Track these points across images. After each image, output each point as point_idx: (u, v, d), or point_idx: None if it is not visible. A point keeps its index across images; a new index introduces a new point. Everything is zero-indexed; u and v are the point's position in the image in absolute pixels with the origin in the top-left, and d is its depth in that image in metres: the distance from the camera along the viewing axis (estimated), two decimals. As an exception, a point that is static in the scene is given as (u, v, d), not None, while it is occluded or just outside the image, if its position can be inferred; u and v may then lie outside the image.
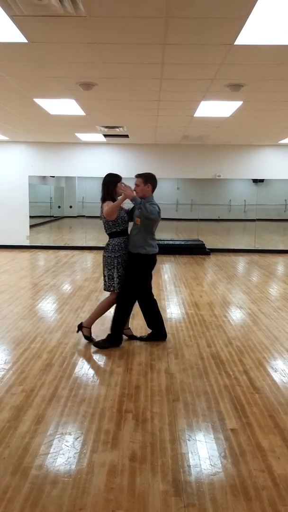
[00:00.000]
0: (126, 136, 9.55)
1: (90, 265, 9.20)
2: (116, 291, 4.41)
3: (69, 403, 3.23)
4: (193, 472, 2.45)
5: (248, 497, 2.25)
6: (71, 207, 17.45)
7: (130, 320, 4.85)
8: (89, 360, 4.11)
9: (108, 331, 4.50)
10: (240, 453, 2.63)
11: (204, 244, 11.29)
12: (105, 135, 9.52)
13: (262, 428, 2.91)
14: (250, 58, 4.22)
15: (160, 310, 5.62)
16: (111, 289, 4.42)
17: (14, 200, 11.31)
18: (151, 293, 4.64)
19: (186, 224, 20.32)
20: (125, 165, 11.17)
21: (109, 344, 4.40)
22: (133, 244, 4.38)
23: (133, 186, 4.33)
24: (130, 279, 4.38)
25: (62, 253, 10.91)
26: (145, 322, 4.70)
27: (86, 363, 4.03)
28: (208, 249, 11.17)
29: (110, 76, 4.81)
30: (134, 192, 4.30)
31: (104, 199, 4.32)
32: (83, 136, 9.84)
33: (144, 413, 3.09)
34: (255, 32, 3.57)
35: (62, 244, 12.26)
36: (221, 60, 4.28)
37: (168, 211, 21.98)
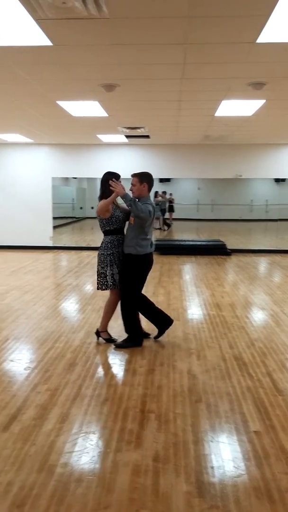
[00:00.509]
0: (147, 136, 9.57)
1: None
2: (109, 289, 4.39)
3: (93, 402, 3.26)
4: (216, 474, 2.44)
5: (272, 500, 2.23)
6: (92, 208, 17.56)
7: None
8: (112, 360, 4.13)
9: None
10: (263, 456, 2.60)
11: (225, 245, 11.21)
12: (127, 136, 9.57)
13: (286, 431, 2.88)
14: (272, 56, 4.17)
15: (182, 310, 5.60)
16: (104, 287, 4.40)
17: (38, 201, 11.46)
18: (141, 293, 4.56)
19: (207, 225, 20.23)
20: (146, 165, 11.16)
21: (130, 344, 4.42)
22: (125, 244, 4.35)
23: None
24: (125, 280, 4.35)
25: (84, 253, 11.00)
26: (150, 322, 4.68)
27: (109, 363, 4.06)
28: (229, 249, 11.08)
29: (132, 77, 4.84)
30: (130, 190, 4.29)
31: (101, 197, 4.32)
32: (105, 137, 9.90)
33: (167, 414, 3.09)
34: (277, 29, 3.53)
35: (84, 245, 12.36)
36: (243, 59, 4.25)
37: (189, 211, 22.03)
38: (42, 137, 10.07)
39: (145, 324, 4.72)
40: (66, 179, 19.47)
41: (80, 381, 3.61)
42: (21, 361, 4.06)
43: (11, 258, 10.04)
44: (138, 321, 4.51)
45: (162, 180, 21.91)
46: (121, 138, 9.93)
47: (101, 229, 4.42)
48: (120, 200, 4.32)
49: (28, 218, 11.50)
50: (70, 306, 6.09)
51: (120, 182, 4.26)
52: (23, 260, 9.74)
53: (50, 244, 11.62)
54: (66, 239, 14.29)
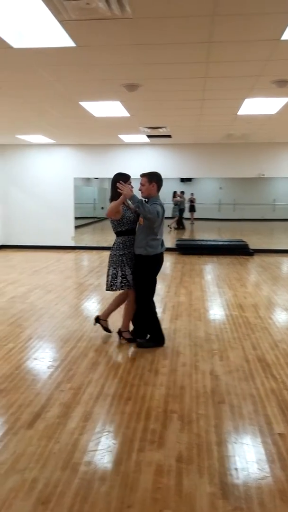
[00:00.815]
0: (169, 136, 9.55)
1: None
2: (118, 290, 4.42)
3: (116, 401, 3.27)
4: (240, 476, 2.42)
5: (299, 504, 2.20)
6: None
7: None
8: (134, 359, 4.14)
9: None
10: (289, 458, 2.57)
11: (247, 245, 11.09)
12: (148, 136, 9.57)
13: (312, 434, 2.83)
14: (298, 53, 4.10)
15: (203, 311, 5.59)
16: (114, 288, 4.41)
17: (60, 201, 11.57)
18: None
19: (228, 224, 20.10)
20: (168, 165, 11.17)
21: (152, 344, 4.42)
22: (135, 245, 4.36)
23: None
24: (138, 281, 4.36)
25: (106, 253, 10.97)
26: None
27: (131, 362, 4.07)
28: (251, 249, 10.96)
29: (155, 76, 4.83)
30: (140, 190, 4.31)
31: (112, 199, 4.34)
32: (126, 138, 9.93)
33: (190, 414, 3.08)
34: (304, 26, 3.47)
35: (105, 245, 12.40)
36: (267, 56, 4.20)
37: (211, 211, 21.95)
38: (64, 138, 10.16)
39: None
40: (88, 179, 19.63)
41: (103, 380, 3.63)
42: (44, 360, 4.10)
43: (34, 258, 10.17)
44: (157, 320, 4.50)
45: (183, 180, 21.93)
46: (143, 138, 9.94)
47: (113, 230, 4.46)
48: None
49: (50, 218, 11.63)
50: (92, 306, 6.13)
51: (130, 183, 4.31)
52: (45, 260, 9.85)
53: (72, 244, 11.72)
54: (88, 239, 14.40)
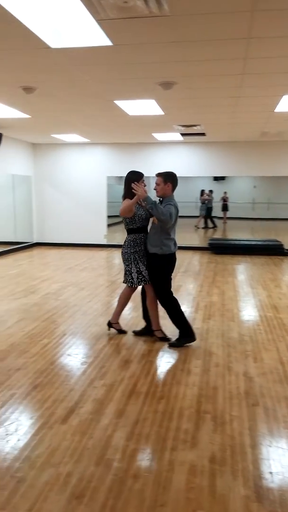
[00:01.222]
0: (203, 134, 9.47)
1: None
2: (135, 287, 4.50)
3: (148, 400, 3.27)
4: (275, 480, 2.37)
5: None
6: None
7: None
8: (167, 358, 4.13)
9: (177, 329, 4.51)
10: None
11: (282, 245, 10.85)
12: (182, 134, 9.52)
13: None
14: None
15: (237, 311, 5.52)
16: (130, 284, 4.49)
17: (93, 200, 11.69)
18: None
19: (262, 224, 19.75)
20: (201, 163, 11.09)
21: (184, 340, 4.41)
22: (150, 243, 4.39)
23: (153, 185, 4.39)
24: (155, 281, 4.40)
25: (137, 251, 11.06)
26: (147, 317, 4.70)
27: (163, 361, 4.06)
28: (286, 249, 10.72)
29: (191, 74, 4.80)
30: (154, 189, 4.36)
31: (124, 196, 4.38)
32: (160, 136, 9.91)
33: (223, 415, 3.05)
34: None
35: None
36: (308, 52, 4.09)
37: (244, 210, 21.64)
38: (98, 137, 10.24)
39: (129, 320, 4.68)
40: (120, 178, 19.71)
41: (135, 379, 3.64)
42: (78, 356, 4.15)
43: (67, 256, 10.32)
44: (183, 315, 4.49)
45: (216, 179, 21.71)
46: (177, 136, 9.90)
47: (125, 227, 4.51)
48: None
49: (83, 217, 11.77)
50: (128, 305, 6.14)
51: (143, 181, 4.35)
52: (78, 258, 9.98)
53: (104, 242, 11.81)
54: (120, 237, 14.45)
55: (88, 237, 11.75)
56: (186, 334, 4.43)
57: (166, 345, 4.42)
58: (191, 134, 9.43)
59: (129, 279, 4.48)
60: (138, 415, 3.04)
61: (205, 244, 11.12)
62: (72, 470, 2.45)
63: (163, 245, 4.31)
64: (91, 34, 3.69)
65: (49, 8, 3.23)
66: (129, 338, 4.64)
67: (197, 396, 3.32)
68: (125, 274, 4.52)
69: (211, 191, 17.61)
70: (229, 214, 19.67)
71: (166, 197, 4.36)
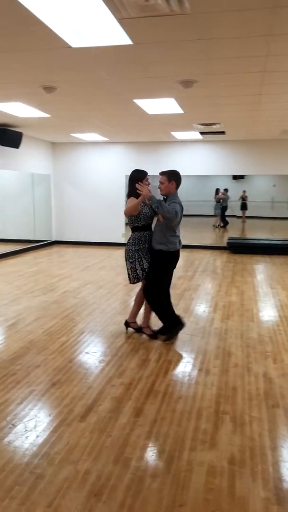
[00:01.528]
0: (223, 133, 9.40)
1: (182, 264, 9.22)
2: (142, 281, 4.54)
3: (166, 399, 3.26)
4: (296, 483, 2.34)
5: None
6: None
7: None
8: (185, 358, 4.12)
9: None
10: None
11: (302, 244, 10.70)
12: (201, 133, 9.46)
13: None
14: None
15: (256, 311, 5.48)
16: (136, 281, 4.54)
17: (111, 199, 11.72)
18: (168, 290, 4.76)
19: (282, 223, 19.49)
20: (221, 162, 11.01)
21: (171, 332, 4.52)
22: (155, 240, 4.45)
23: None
24: (153, 274, 4.45)
25: (155, 250, 11.05)
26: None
27: (181, 360, 4.05)
28: (307, 249, 10.57)
29: (212, 72, 4.76)
30: (159, 188, 4.46)
31: (129, 195, 4.44)
32: (179, 135, 9.87)
33: (242, 417, 3.02)
34: None
35: (155, 242, 12.45)
36: None
37: (263, 209, 21.39)
38: (117, 136, 10.26)
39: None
40: (138, 177, 19.71)
41: (153, 378, 3.64)
42: (96, 354, 4.17)
43: (85, 254, 10.37)
44: (169, 310, 4.62)
45: (235, 177, 21.52)
46: (196, 135, 9.85)
47: (130, 225, 4.56)
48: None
49: (101, 215, 11.80)
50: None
51: (147, 179, 4.42)
52: (96, 256, 10.02)
53: (122, 241, 11.82)
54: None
55: (106, 236, 11.78)
56: (171, 326, 4.53)
57: (185, 345, 4.41)
58: (210, 132, 9.37)
59: (135, 275, 4.52)
60: (156, 414, 3.04)
61: (223, 244, 11.03)
62: (91, 467, 2.46)
63: (168, 242, 4.38)
64: (111, 33, 3.69)
65: (70, 8, 3.24)
66: (147, 337, 4.63)
67: (216, 397, 3.30)
68: (130, 271, 4.54)
69: (226, 190, 17.43)
70: (248, 213, 19.49)
71: (170, 195, 4.43)
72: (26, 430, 2.84)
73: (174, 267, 4.61)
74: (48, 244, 11.84)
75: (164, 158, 11.28)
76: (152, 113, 7.11)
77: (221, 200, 16.79)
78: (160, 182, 4.45)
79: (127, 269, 4.58)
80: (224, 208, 17.02)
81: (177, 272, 8.20)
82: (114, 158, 11.61)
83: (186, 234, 12.18)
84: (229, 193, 17.77)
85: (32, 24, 3.46)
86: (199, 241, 12.64)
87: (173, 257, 4.51)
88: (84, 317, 5.31)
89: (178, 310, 5.56)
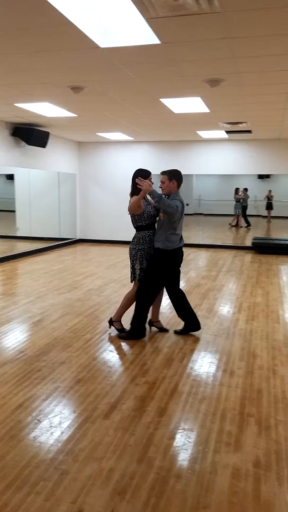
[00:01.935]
0: (249, 131, 9.29)
1: (206, 263, 9.16)
2: (136, 282, 4.55)
3: (190, 399, 3.25)
4: None
5: None
6: (187, 204, 17.55)
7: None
8: (209, 358, 4.09)
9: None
10: None
11: None
12: (227, 132, 9.38)
13: None
14: None
15: (282, 313, 5.39)
16: (131, 279, 4.59)
17: (135, 197, 11.73)
18: (179, 287, 4.71)
19: (309, 224, 19.13)
20: (246, 161, 10.89)
21: (131, 336, 4.53)
22: (155, 239, 4.50)
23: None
24: (150, 273, 4.46)
25: (179, 250, 11.01)
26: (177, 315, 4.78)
27: (205, 361, 4.02)
28: None
29: (240, 70, 4.71)
30: (160, 188, 4.50)
31: (132, 194, 4.47)
32: (204, 134, 9.81)
33: (268, 419, 2.98)
34: None
35: (179, 241, 12.40)
36: None
37: (289, 209, 20.95)
38: (142, 135, 10.27)
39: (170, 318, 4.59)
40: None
41: (177, 377, 3.63)
42: (119, 352, 4.19)
43: (109, 252, 10.43)
44: (146, 317, 4.60)
45: (261, 177, 21.18)
46: (221, 134, 9.77)
47: (133, 225, 4.59)
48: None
49: (125, 214, 11.73)
50: (166, 302, 6.14)
51: (150, 179, 4.44)
52: (120, 255, 10.05)
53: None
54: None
55: (130, 234, 11.66)
56: (136, 333, 4.53)
57: (209, 345, 4.38)
58: (236, 131, 9.28)
59: (132, 274, 4.57)
60: (180, 415, 3.03)
61: (248, 243, 10.91)
62: (115, 466, 2.47)
63: (167, 240, 4.40)
64: (139, 33, 3.70)
65: (99, 9, 3.26)
66: (170, 337, 4.63)
67: (241, 399, 3.27)
68: (131, 269, 4.60)
69: (245, 190, 17.17)
70: (273, 213, 19.19)
71: (171, 194, 4.48)
72: (51, 426, 2.88)
73: (178, 265, 4.61)
74: (72, 242, 11.96)
75: (188, 157, 11.24)
76: (178, 112, 7.09)
77: (241, 200, 16.59)
78: (161, 181, 4.51)
79: (130, 267, 4.65)
80: (244, 208, 16.82)
81: (201, 271, 8.18)
82: (138, 157, 11.62)
83: (211, 233, 12.12)
84: (255, 193, 17.53)
85: (61, 25, 3.50)
86: (223, 240, 12.55)
87: (172, 256, 4.48)
88: (108, 315, 5.32)
89: (201, 311, 5.55)
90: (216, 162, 11.11)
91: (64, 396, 3.29)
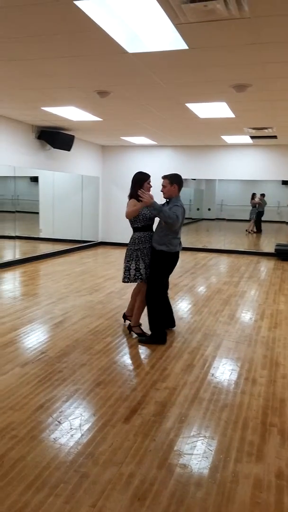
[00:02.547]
0: (274, 137, 9.20)
1: (228, 269, 9.09)
2: (131, 282, 4.65)
3: (211, 406, 3.22)
4: None
5: None
6: (209, 209, 17.46)
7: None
8: (231, 366, 4.04)
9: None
10: None
11: None
12: (252, 137, 9.31)
13: None
14: None
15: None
16: (126, 280, 4.66)
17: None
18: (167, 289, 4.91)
19: None
20: (271, 166, 10.78)
21: (154, 340, 4.52)
22: (156, 241, 4.55)
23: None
24: (155, 276, 4.56)
25: (200, 255, 10.98)
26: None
27: (227, 368, 3.98)
28: None
29: (266, 76, 4.67)
30: (161, 191, 4.65)
31: (131, 196, 4.62)
32: (229, 139, 9.76)
33: (290, 430, 2.93)
34: None
35: (199, 246, 12.35)
36: None
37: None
38: (166, 139, 10.28)
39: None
40: (185, 180, 19.68)
41: (198, 384, 3.60)
42: (141, 356, 4.18)
43: (131, 256, 10.42)
44: (161, 319, 4.64)
45: (285, 182, 20.91)
46: (246, 139, 9.70)
47: (131, 226, 4.73)
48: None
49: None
50: (187, 307, 6.12)
51: (149, 182, 4.63)
52: (142, 258, 10.05)
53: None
54: (182, 240, 14.39)
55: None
56: (157, 338, 4.53)
57: (230, 352, 4.34)
58: (261, 137, 9.20)
59: (126, 275, 4.64)
60: (201, 422, 3.00)
61: (271, 250, 10.77)
62: (135, 471, 2.46)
63: (170, 244, 4.49)
64: (167, 38, 3.71)
65: (128, 14, 3.28)
66: (192, 342, 4.60)
67: (263, 408, 3.22)
68: (125, 270, 4.66)
69: (263, 195, 16.96)
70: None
71: (172, 198, 4.60)
72: (71, 428, 2.89)
73: (173, 269, 4.70)
74: (94, 245, 12.04)
75: (212, 162, 11.19)
76: (203, 117, 7.08)
77: (257, 205, 16.39)
78: (162, 185, 4.62)
79: (123, 268, 4.70)
80: (260, 214, 16.59)
81: (223, 277, 8.11)
82: (161, 161, 11.63)
83: (233, 238, 12.02)
84: (279, 199, 17.31)
85: (90, 30, 3.53)
86: (245, 246, 12.43)
87: (174, 258, 4.61)
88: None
89: (223, 317, 5.50)
90: (240, 167, 11.04)
91: (85, 399, 3.30)
